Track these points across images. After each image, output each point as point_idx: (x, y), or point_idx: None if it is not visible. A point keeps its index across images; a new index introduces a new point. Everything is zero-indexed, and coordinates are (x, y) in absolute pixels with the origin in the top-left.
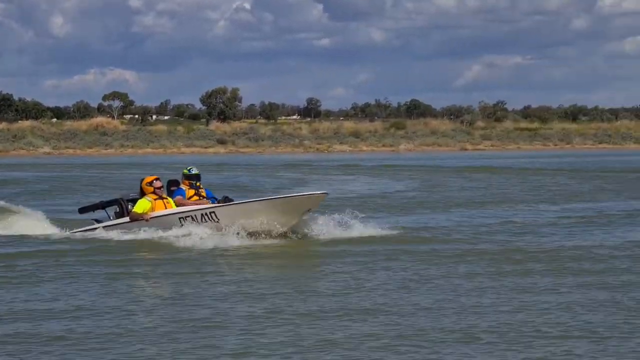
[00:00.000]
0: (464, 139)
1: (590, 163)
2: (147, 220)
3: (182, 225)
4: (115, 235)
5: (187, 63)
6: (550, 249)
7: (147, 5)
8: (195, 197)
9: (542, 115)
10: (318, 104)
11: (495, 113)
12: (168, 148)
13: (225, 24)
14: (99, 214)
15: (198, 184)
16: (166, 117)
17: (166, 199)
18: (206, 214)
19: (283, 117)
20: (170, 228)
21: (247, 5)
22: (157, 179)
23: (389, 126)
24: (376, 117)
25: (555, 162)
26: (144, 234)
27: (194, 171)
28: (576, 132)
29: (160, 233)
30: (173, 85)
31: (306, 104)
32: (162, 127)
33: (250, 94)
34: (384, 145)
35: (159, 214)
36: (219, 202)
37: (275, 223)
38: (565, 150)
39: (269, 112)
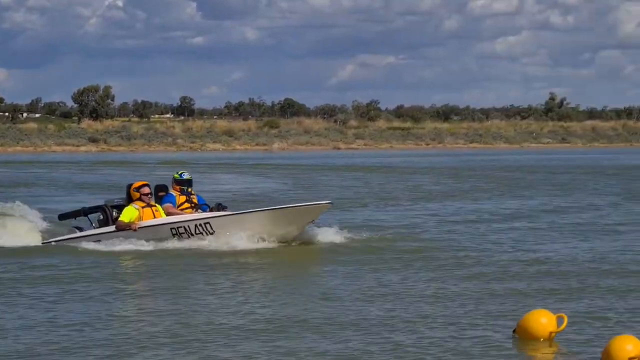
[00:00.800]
0: (337, 138)
1: (462, 162)
2: (134, 230)
3: (174, 236)
4: (95, 246)
5: (58, 60)
6: (433, 247)
7: (17, 1)
8: (187, 205)
9: (414, 114)
10: (192, 102)
11: (368, 112)
12: (39, 146)
13: (98, 21)
14: (83, 221)
15: (190, 189)
16: (37, 115)
17: (155, 206)
18: (200, 224)
19: (156, 116)
20: (162, 239)
21: (120, 3)
22: (145, 185)
23: (262, 125)
24: (250, 116)
25: (428, 160)
26: (131, 245)
27: (186, 176)
28: (448, 131)
29: (151, 245)
30: (44, 83)
31: (180, 103)
32: (32, 125)
33: (123, 92)
34: (257, 144)
35: (148, 224)
36: (211, 210)
37: (277, 234)
38: (437, 149)
39: (142, 110)
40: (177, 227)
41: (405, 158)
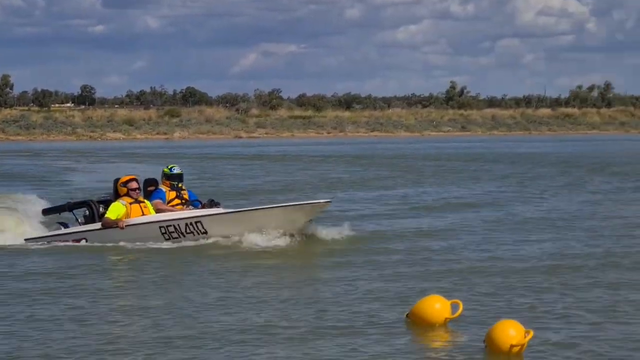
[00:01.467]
0: (239, 127)
1: (364, 150)
2: (121, 228)
3: (163, 235)
4: (74, 245)
5: None
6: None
7: None
8: (177, 201)
9: (316, 103)
10: (92, 91)
11: (270, 101)
12: None
13: None
14: (68, 215)
15: (180, 184)
16: None
17: (143, 202)
18: (191, 223)
19: (57, 105)
20: (150, 239)
21: None
22: (133, 179)
23: (163, 114)
24: (152, 105)
25: (331, 149)
26: (118, 244)
27: (176, 170)
28: (349, 120)
29: (139, 245)
30: None
31: (80, 92)
32: None
33: (23, 81)
34: (158, 133)
35: (135, 222)
36: (203, 207)
37: (274, 234)
38: (338, 138)
39: (42, 99)
40: (167, 226)
41: (307, 147)
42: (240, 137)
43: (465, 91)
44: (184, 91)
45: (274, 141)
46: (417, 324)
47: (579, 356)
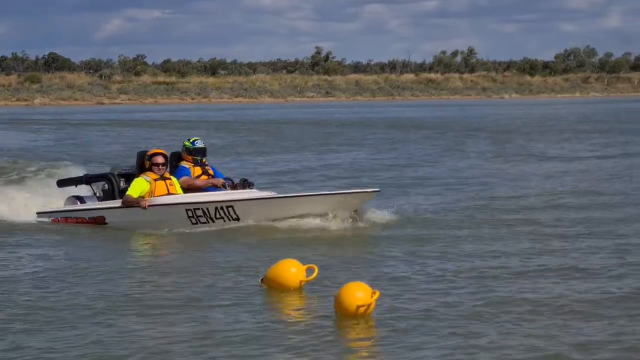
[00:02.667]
0: (101, 93)
1: (229, 115)
2: (144, 207)
3: (190, 219)
4: (91, 226)
5: None
6: None
7: None
8: (205, 177)
9: (181, 69)
10: None
11: (135, 67)
12: None
13: None
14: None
15: (203, 160)
16: None
17: (169, 179)
18: (222, 207)
19: None
20: (175, 221)
21: None
22: (159, 153)
23: (23, 80)
24: (13, 71)
25: (196, 115)
26: (139, 226)
27: (199, 144)
28: (213, 86)
29: (163, 228)
30: None
31: None
32: None
33: None
34: (18, 100)
35: (160, 202)
36: (234, 187)
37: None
38: (202, 103)
39: None
40: (195, 209)
41: (171, 113)
42: (102, 104)
43: (330, 57)
44: (46, 57)
45: (137, 107)
46: (273, 288)
47: (426, 315)
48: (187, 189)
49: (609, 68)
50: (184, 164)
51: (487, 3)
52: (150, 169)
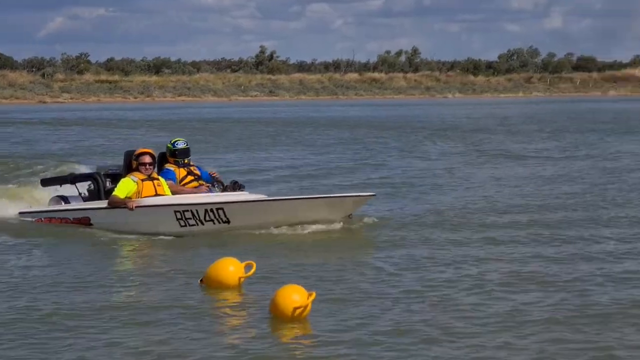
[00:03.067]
0: (43, 91)
1: (172, 115)
2: (131, 208)
3: (179, 221)
4: (73, 226)
5: None
6: None
7: None
8: (190, 178)
9: (125, 67)
10: None
11: (78, 65)
12: None
13: None
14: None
15: (187, 160)
16: None
17: (157, 179)
18: (212, 210)
19: None
20: (163, 223)
21: None
22: (146, 153)
23: None
24: None
25: (140, 114)
26: (125, 227)
27: (181, 145)
28: (156, 84)
29: (149, 229)
30: None
31: None
32: None
33: None
34: None
35: (147, 203)
36: (225, 189)
37: (312, 224)
38: (145, 102)
39: None
40: (183, 211)
41: (113, 112)
42: (45, 102)
43: (275, 56)
44: None
45: (80, 106)
46: (212, 286)
47: (361, 313)
48: (174, 193)
49: (552, 68)
50: (169, 166)
51: (432, 3)
52: (137, 169)
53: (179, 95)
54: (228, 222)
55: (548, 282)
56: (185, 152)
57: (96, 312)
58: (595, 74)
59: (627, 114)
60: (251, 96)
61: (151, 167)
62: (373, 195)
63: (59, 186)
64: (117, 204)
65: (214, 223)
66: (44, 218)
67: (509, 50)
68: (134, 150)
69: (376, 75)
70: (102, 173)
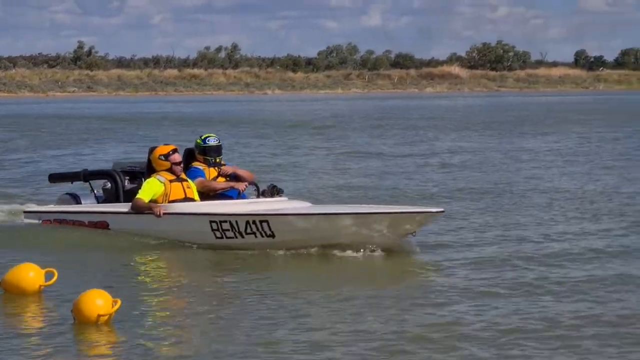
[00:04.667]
0: None
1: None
2: (158, 215)
3: (214, 232)
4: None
5: None
6: None
7: None
8: (222, 179)
9: None
10: None
11: None
12: None
13: None
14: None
15: (219, 159)
16: None
17: (186, 181)
18: (254, 222)
19: None
20: (195, 234)
21: None
22: (175, 150)
23: None
24: None
25: None
26: (152, 239)
27: (213, 141)
28: None
29: (181, 240)
30: None
31: None
32: None
33: None
34: None
35: (178, 210)
36: (262, 194)
37: (366, 244)
38: None
39: None
40: (221, 222)
41: None
42: None
43: (93, 51)
44: None
45: None
46: (11, 292)
47: (172, 323)
48: (202, 193)
49: (370, 65)
50: (197, 165)
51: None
52: (170, 169)
53: None
54: (273, 236)
55: None
56: (217, 150)
57: None
58: (412, 71)
59: (442, 110)
60: (69, 92)
61: (181, 166)
62: (442, 211)
63: (70, 183)
64: (142, 209)
65: (256, 236)
66: (54, 219)
67: (328, 47)
68: (156, 147)
69: (196, 71)
70: (119, 170)
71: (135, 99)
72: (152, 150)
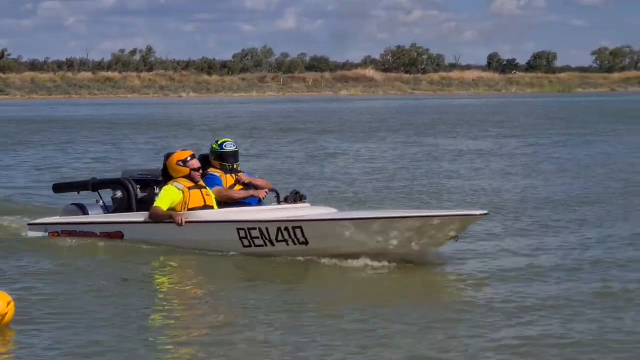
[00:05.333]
0: None
1: None
2: (180, 224)
3: (242, 240)
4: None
5: None
6: None
7: None
8: (239, 188)
9: None
10: None
11: None
12: None
13: None
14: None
15: (236, 166)
16: None
17: (205, 188)
18: (287, 229)
19: None
20: (220, 243)
21: None
22: (193, 156)
23: None
24: None
25: None
26: (174, 251)
27: (230, 146)
28: None
29: (206, 250)
30: None
31: None
32: None
33: None
34: None
35: (201, 218)
36: (284, 201)
37: (399, 251)
38: None
39: None
40: (249, 229)
41: None
42: None
43: (6, 54)
44: None
45: None
46: None
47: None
48: (219, 202)
49: (285, 68)
50: (213, 171)
51: (166, 2)
52: (189, 176)
53: None
54: (306, 243)
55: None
56: (235, 156)
57: None
58: (327, 74)
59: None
60: None
61: (200, 172)
62: (486, 214)
63: (76, 193)
64: (161, 218)
65: (288, 244)
66: (62, 231)
67: (243, 50)
68: (173, 153)
69: (110, 74)
70: (131, 178)
71: (49, 102)
72: (168, 156)
